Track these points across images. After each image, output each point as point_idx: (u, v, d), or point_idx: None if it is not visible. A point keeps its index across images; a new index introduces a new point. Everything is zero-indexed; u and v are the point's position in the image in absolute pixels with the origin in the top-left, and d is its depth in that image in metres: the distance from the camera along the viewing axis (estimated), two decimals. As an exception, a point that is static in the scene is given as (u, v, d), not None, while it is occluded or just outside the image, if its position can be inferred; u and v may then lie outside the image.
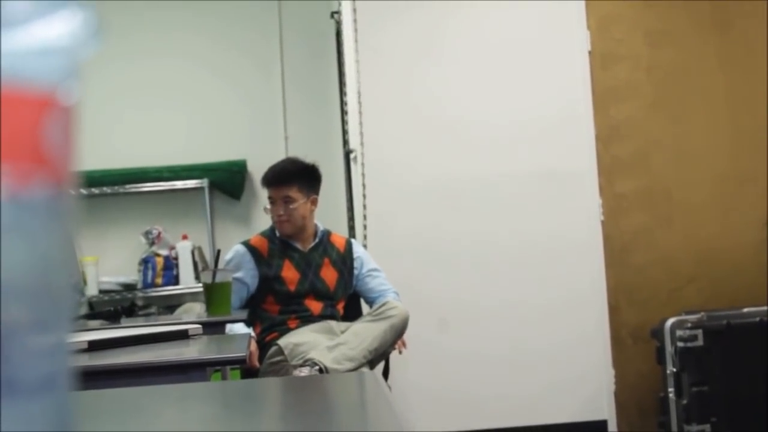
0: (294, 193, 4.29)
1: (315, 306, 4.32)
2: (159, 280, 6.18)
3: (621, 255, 5.60)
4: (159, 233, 6.16)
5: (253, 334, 4.19)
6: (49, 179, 0.35)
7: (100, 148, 6.06)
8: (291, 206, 4.28)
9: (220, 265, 3.95)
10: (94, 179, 6.07)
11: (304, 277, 4.33)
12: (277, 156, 5.06)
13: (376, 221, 5.52)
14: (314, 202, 4.38)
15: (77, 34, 0.36)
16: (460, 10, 5.62)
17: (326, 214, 4.94)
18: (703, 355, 5.04)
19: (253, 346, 4.09)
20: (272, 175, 4.34)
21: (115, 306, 4.07)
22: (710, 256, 5.63)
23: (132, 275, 6.24)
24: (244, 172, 6.32)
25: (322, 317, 4.31)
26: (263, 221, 5.09)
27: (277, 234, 4.39)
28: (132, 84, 6.34)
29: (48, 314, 0.37)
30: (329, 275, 4.40)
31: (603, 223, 5.58)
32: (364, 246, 5.16)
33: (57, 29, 0.35)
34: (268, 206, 4.37)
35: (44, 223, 0.36)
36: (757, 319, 5.08)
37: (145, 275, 6.18)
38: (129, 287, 6.20)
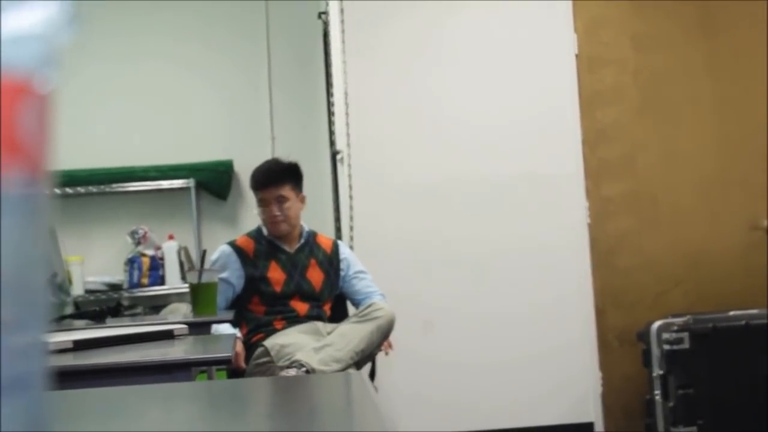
0: (287, 192, 4.32)
1: (301, 307, 4.32)
2: (145, 280, 6.16)
3: (607, 258, 5.61)
4: (145, 233, 6.14)
5: (239, 334, 4.19)
6: (24, 169, 0.34)
7: (87, 147, 6.05)
8: (285, 205, 4.30)
9: (206, 266, 3.94)
10: (80, 178, 6.05)
11: (290, 278, 4.33)
12: (264, 156, 5.05)
13: (362, 222, 5.52)
14: (303, 200, 4.41)
15: (53, 22, 0.35)
16: (447, 12, 5.62)
17: (313, 215, 4.93)
18: (690, 357, 5.05)
19: (240, 346, 4.08)
20: (265, 177, 4.35)
21: (100, 306, 4.05)
22: (696, 259, 5.64)
23: (118, 275, 6.22)
24: (231, 172, 6.31)
25: (309, 318, 4.30)
26: (250, 222, 5.08)
27: (265, 234, 4.39)
28: (119, 84, 6.32)
29: (23, 312, 0.36)
30: (315, 276, 4.40)
31: (589, 226, 5.59)
32: (351, 247, 5.15)
33: (32, 17, 0.35)
34: (258, 209, 4.37)
35: (19, 216, 0.35)
36: (743, 322, 5.09)
37: (131, 275, 6.17)
38: (115, 287, 6.18)
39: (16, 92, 0.33)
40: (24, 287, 0.36)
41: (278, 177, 4.33)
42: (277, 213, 4.30)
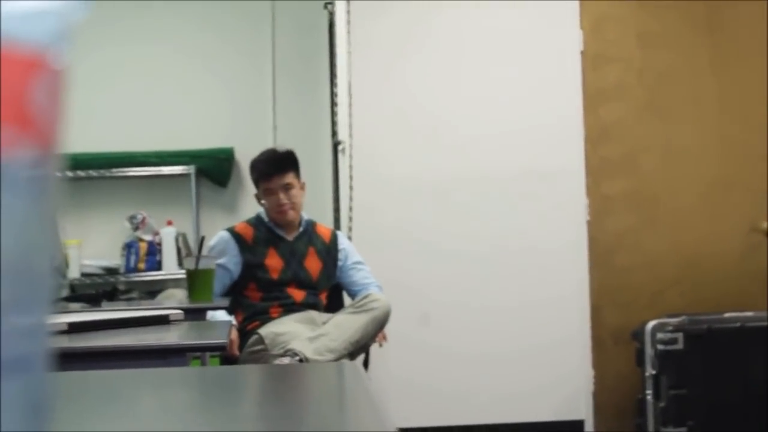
0: (291, 179, 4.36)
1: (297, 294, 4.33)
2: (141, 265, 6.15)
3: (605, 256, 5.61)
4: (143, 218, 6.13)
5: (234, 322, 4.19)
6: (35, 145, 0.34)
7: (88, 132, 6.03)
8: (291, 192, 4.33)
9: (204, 251, 3.95)
10: (81, 162, 6.04)
11: (287, 266, 4.34)
12: (265, 145, 5.04)
13: (362, 214, 5.52)
14: (303, 187, 4.44)
15: (68, -2, 0.35)
16: (453, 6, 5.61)
17: (312, 205, 4.93)
18: (683, 358, 5.06)
19: (234, 334, 4.08)
20: (270, 166, 4.37)
21: (96, 289, 4.06)
22: (694, 260, 5.64)
23: (115, 259, 6.21)
24: (232, 160, 6.29)
25: (305, 305, 4.31)
26: (249, 209, 5.08)
27: (265, 221, 4.40)
28: (122, 68, 6.31)
29: (27, 293, 0.36)
30: (313, 265, 4.40)
31: (589, 223, 5.59)
32: (349, 238, 5.15)
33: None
34: (263, 199, 4.39)
35: (28, 195, 0.35)
36: (738, 324, 5.10)
37: (127, 260, 6.16)
38: (111, 271, 6.17)
39: (29, 66, 0.33)
40: (29, 268, 0.36)
41: (283, 165, 4.36)
42: (285, 201, 4.33)
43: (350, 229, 5.45)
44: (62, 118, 0.36)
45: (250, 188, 4.63)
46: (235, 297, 4.30)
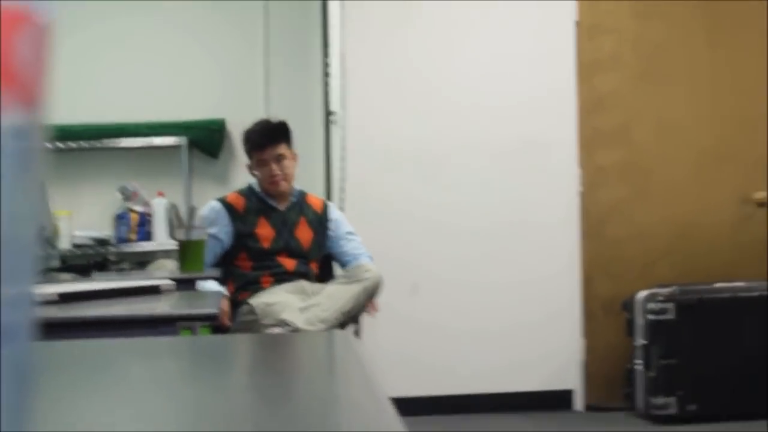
0: (284, 150, 4.37)
1: (289, 263, 4.34)
2: (133, 236, 6.14)
3: (598, 227, 5.62)
4: (135, 189, 6.11)
5: (226, 292, 4.19)
6: (20, 101, 0.34)
7: (79, 102, 6.01)
8: (284, 163, 4.34)
9: (196, 221, 3.94)
10: (72, 133, 6.02)
11: (278, 235, 4.35)
12: (257, 116, 5.02)
13: (353, 185, 5.52)
14: (295, 158, 4.44)
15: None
16: (445, -25, 5.59)
17: (304, 177, 4.92)
18: (674, 328, 5.08)
19: (225, 304, 4.09)
20: (263, 137, 4.38)
21: (87, 260, 4.05)
22: (686, 231, 5.65)
23: (106, 230, 6.19)
24: (223, 131, 6.28)
25: (296, 274, 4.32)
26: (241, 180, 5.07)
27: (256, 191, 4.41)
28: (113, 38, 6.27)
29: (11, 263, 0.36)
30: (304, 234, 4.41)
31: (582, 194, 5.59)
32: (340, 209, 5.16)
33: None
34: (256, 170, 4.39)
35: (12, 158, 0.35)
36: (729, 294, 5.12)
37: (119, 231, 6.14)
38: (102, 242, 6.15)
39: (13, 20, 0.33)
40: (13, 238, 0.36)
41: (275, 136, 4.38)
42: (278, 172, 4.34)
43: (342, 200, 5.45)
44: (47, 74, 0.35)
45: (242, 159, 4.62)
46: (227, 267, 4.30)
